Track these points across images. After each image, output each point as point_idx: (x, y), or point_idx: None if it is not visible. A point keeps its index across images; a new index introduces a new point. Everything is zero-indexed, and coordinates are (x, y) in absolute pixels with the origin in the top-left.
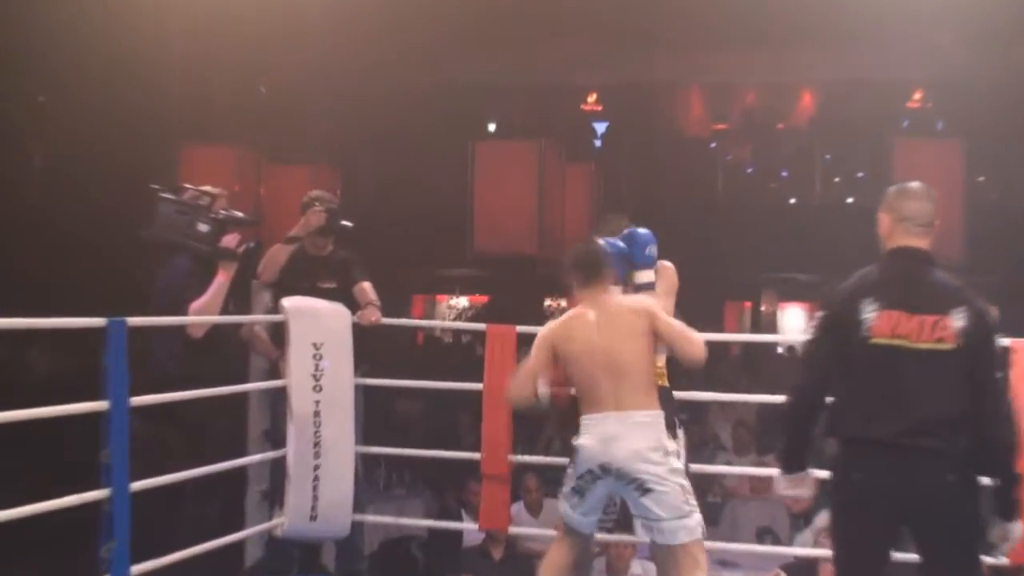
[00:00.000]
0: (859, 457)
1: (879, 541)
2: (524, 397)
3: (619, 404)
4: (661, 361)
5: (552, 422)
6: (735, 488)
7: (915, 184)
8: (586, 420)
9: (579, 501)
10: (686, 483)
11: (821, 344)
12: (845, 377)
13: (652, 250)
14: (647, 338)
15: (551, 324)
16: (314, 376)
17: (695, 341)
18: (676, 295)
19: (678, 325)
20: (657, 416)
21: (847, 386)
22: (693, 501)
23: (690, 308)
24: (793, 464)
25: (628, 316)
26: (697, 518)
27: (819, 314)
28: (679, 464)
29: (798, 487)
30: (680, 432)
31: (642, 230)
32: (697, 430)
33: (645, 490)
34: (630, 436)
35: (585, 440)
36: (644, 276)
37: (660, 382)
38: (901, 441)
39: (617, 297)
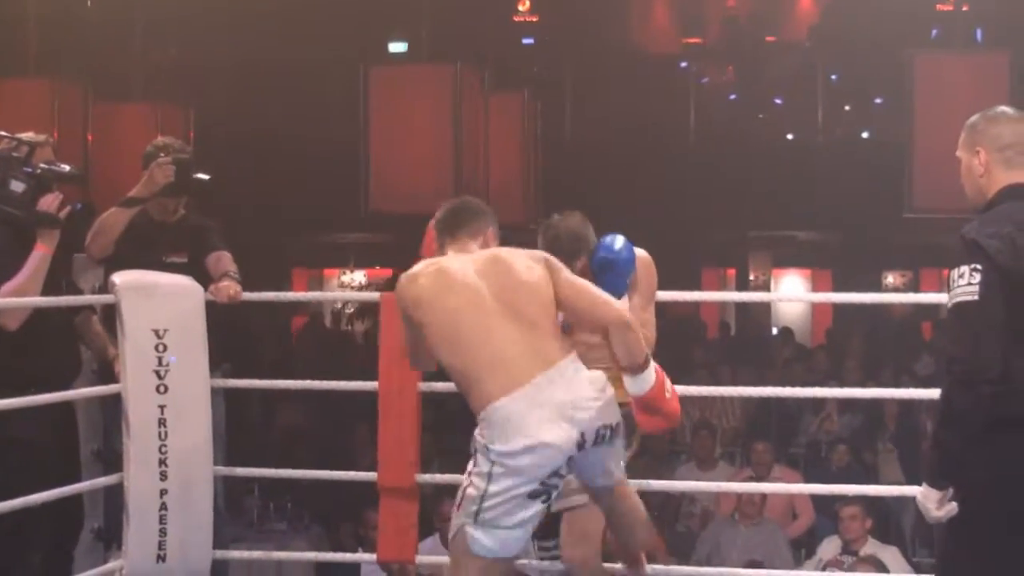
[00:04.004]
0: None
1: None
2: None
3: (544, 360)
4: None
5: None
6: (712, 509)
7: (1004, 107)
8: (504, 404)
9: (511, 520)
10: None
11: (995, 303)
12: (1016, 342)
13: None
14: (547, 287)
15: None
16: (157, 373)
17: (611, 303)
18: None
19: (585, 284)
20: (577, 359)
21: (1019, 354)
22: None
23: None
24: (953, 473)
25: (519, 257)
26: None
27: (976, 266)
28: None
29: (949, 505)
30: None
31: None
32: (664, 436)
33: (611, 437)
34: (581, 388)
35: (530, 437)
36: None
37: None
38: None
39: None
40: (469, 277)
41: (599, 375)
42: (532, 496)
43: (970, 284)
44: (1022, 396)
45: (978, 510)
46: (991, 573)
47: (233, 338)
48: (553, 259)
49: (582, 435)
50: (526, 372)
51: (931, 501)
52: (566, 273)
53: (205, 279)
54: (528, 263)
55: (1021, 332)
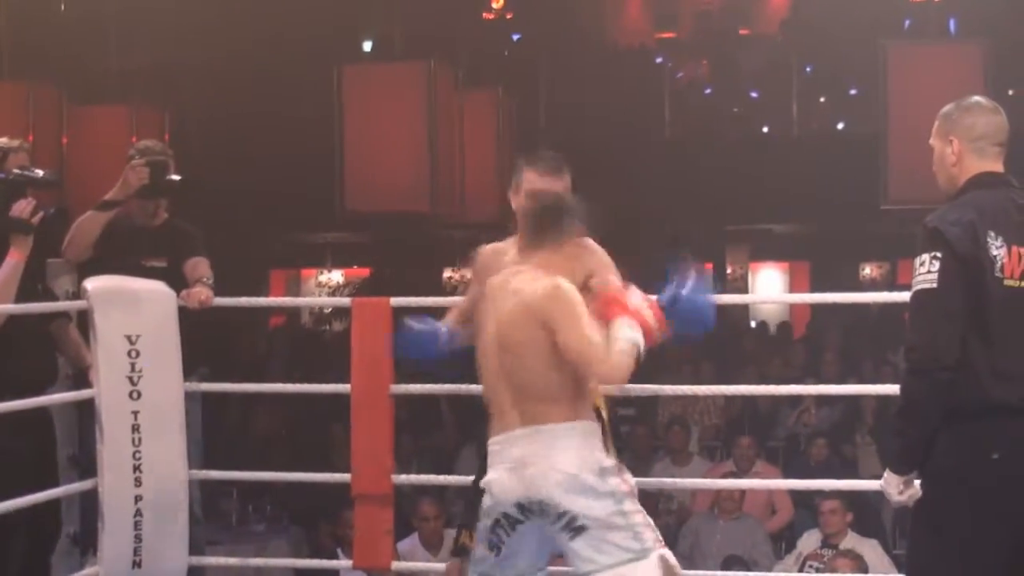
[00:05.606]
0: (999, 430)
1: (1018, 542)
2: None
3: (524, 416)
4: None
5: None
6: (690, 504)
7: (978, 97)
8: (492, 445)
9: (496, 561)
10: (632, 509)
11: (952, 292)
12: (976, 330)
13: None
14: (542, 347)
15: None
16: (130, 379)
17: (612, 362)
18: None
19: (589, 336)
20: (583, 427)
21: (979, 341)
22: (649, 535)
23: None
24: (915, 459)
25: (523, 307)
26: (658, 556)
27: (936, 255)
28: (623, 486)
29: (911, 490)
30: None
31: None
32: (643, 432)
33: (576, 529)
34: (548, 455)
35: (492, 474)
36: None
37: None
38: None
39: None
40: (502, 299)
41: (590, 457)
42: (491, 546)
43: (929, 272)
44: (980, 383)
45: (941, 497)
46: (956, 559)
47: (210, 341)
48: (557, 316)
49: (527, 496)
50: (510, 425)
51: (892, 486)
52: (564, 336)
53: (183, 284)
54: (530, 319)
55: (979, 320)
